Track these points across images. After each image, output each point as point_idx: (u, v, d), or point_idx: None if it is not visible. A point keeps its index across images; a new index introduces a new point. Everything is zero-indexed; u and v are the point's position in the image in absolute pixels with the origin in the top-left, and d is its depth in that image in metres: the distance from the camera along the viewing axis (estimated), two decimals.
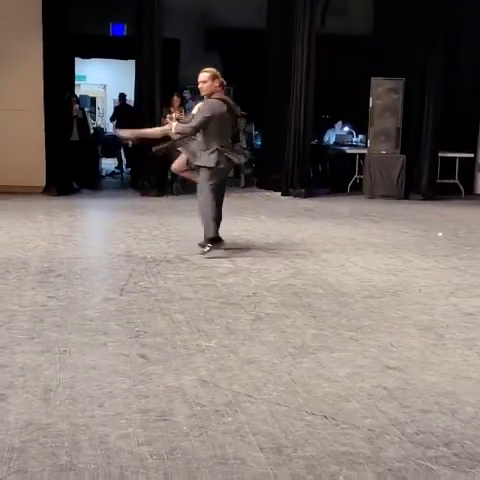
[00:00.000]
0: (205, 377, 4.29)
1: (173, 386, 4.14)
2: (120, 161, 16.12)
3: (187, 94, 14.91)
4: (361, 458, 3.38)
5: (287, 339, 5.04)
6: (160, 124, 12.94)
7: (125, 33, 17.09)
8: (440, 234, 9.65)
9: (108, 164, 16.13)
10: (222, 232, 7.86)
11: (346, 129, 16.09)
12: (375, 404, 4.00)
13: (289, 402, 3.99)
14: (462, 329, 5.46)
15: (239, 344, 4.90)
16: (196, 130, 7.49)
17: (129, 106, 16.54)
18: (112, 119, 17.68)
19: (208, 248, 7.66)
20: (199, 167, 7.61)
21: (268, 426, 3.68)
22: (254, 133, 15.81)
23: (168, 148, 7.86)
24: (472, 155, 14.35)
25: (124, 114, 16.18)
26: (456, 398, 4.12)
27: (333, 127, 16.13)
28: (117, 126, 16.06)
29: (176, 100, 13.27)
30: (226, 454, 3.37)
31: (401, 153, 13.58)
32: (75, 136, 13.30)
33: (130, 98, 16.11)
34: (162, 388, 4.11)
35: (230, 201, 12.77)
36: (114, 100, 19.81)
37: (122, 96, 17.35)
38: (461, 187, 14.10)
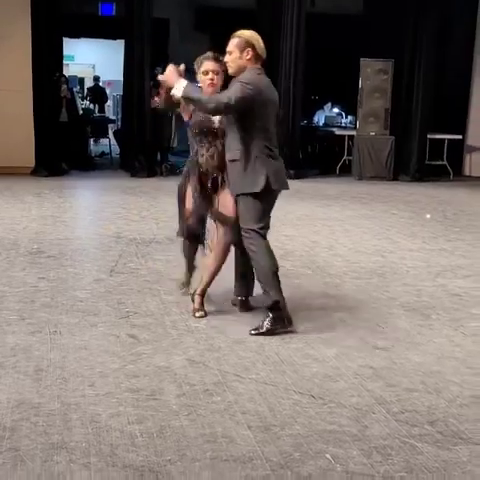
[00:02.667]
0: (194, 357, 4.35)
1: (163, 366, 4.19)
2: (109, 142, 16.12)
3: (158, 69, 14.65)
4: (347, 436, 3.45)
5: None
6: (149, 104, 12.95)
7: (114, 13, 17.00)
8: (428, 216, 9.71)
9: (100, 145, 16.12)
10: None
11: (335, 110, 16.09)
12: (361, 383, 4.07)
13: (277, 381, 4.05)
14: (448, 310, 5.54)
15: (227, 325, 4.96)
16: (227, 108, 4.73)
17: (100, 87, 19.27)
18: (85, 98, 18.91)
19: (271, 324, 4.85)
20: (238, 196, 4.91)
21: (256, 405, 3.75)
22: None
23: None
24: (460, 137, 14.40)
25: (95, 94, 18.73)
26: (441, 377, 4.20)
27: (322, 108, 16.14)
28: (90, 103, 18.28)
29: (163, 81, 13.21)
30: (215, 432, 3.43)
31: (390, 134, 13.62)
32: (64, 117, 13.25)
33: (119, 78, 16.06)
34: (152, 368, 4.16)
35: None
36: (103, 81, 20.03)
37: (96, 78, 19.75)
38: (449, 169, 14.16)
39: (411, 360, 4.45)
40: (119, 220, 8.74)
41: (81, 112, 14.73)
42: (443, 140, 14.10)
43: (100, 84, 19.83)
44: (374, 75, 13.55)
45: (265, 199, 4.83)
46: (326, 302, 5.61)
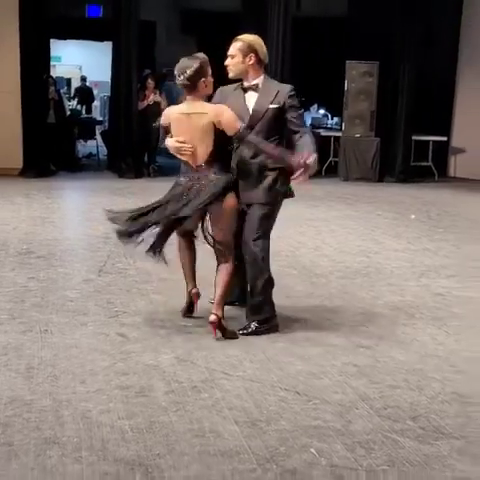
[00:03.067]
0: (182, 355, 4.45)
1: (152, 364, 4.29)
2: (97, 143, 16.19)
3: (148, 71, 14.75)
4: (331, 431, 3.56)
5: None
6: (136, 104, 13.04)
7: (101, 15, 17.07)
8: (413, 216, 9.85)
9: (87, 146, 16.16)
10: None
11: (321, 112, 16.22)
12: (346, 380, 4.18)
13: (263, 379, 4.15)
14: (432, 309, 5.66)
15: None
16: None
17: (87, 87, 19.84)
18: (73, 98, 19.13)
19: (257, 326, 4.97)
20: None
21: (243, 401, 3.85)
22: None
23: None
24: (445, 138, 14.56)
25: (82, 94, 19.21)
26: (423, 375, 4.31)
27: (309, 110, 16.26)
28: (78, 103, 18.68)
29: (150, 83, 13.35)
30: (203, 427, 3.53)
31: (375, 136, 13.75)
32: (51, 118, 13.29)
33: (106, 79, 16.14)
34: (141, 366, 4.25)
35: None
36: (90, 82, 20.18)
37: (83, 78, 20.19)
38: (434, 170, 14.32)
39: (394, 358, 4.57)
40: (107, 221, 8.78)
41: (68, 113, 14.78)
42: (428, 142, 14.25)
43: (87, 84, 19.98)
44: (359, 77, 13.66)
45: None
46: (311, 302, 5.72)
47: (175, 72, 4.79)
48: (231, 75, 4.92)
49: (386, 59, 13.68)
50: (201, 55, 4.85)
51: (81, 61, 21.64)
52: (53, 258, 6.82)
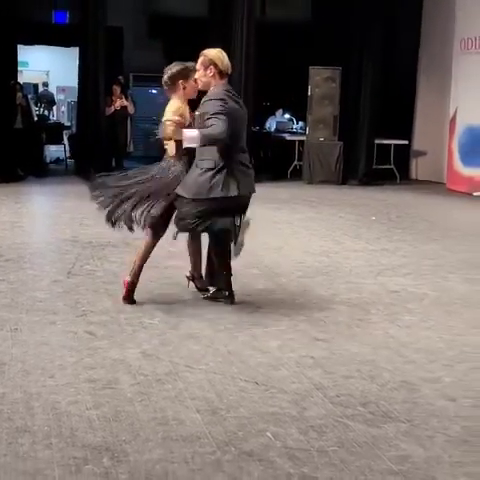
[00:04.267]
0: (148, 350, 4.68)
1: (118, 359, 4.51)
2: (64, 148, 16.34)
3: (121, 78, 15.01)
4: (287, 417, 3.81)
5: (224, 316, 5.44)
6: (103, 109, 13.24)
7: (68, 20, 17.18)
8: (373, 218, 10.16)
9: (53, 151, 16.28)
10: None
11: (287, 116, 16.51)
12: (302, 371, 4.43)
13: (225, 371, 4.39)
14: (387, 305, 5.94)
15: (180, 321, 5.30)
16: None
17: (49, 92, 19.94)
18: (36, 104, 18.92)
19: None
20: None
21: (205, 392, 4.08)
22: None
23: None
24: (407, 142, 14.97)
25: (45, 99, 19.15)
26: (375, 365, 4.58)
27: (274, 114, 16.54)
28: (44, 109, 18.70)
29: (115, 89, 13.58)
30: (166, 416, 3.76)
31: (339, 140, 14.09)
32: (19, 124, 13.43)
33: (73, 85, 16.27)
34: (108, 361, 4.47)
35: None
36: (57, 87, 20.23)
37: (45, 84, 20.50)
38: (396, 172, 14.69)
39: (349, 350, 4.83)
40: (75, 225, 9.01)
41: (36, 119, 14.92)
42: (390, 145, 14.62)
43: (48, 89, 20.24)
44: (323, 83, 14.00)
45: None
46: (272, 299, 5.98)
47: None
48: (199, 86, 5.48)
49: (348, 65, 14.05)
50: (190, 63, 5.49)
51: (48, 66, 21.69)
52: (22, 261, 7.00)
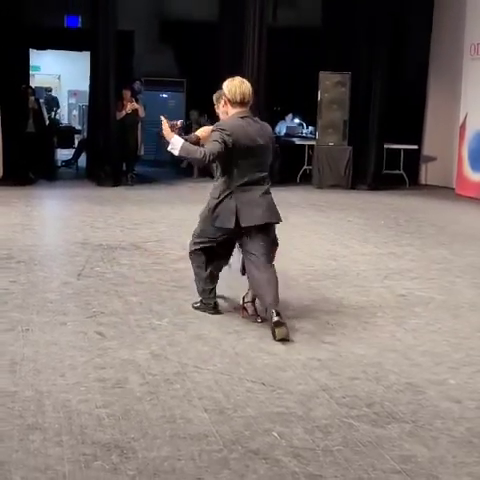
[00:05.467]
0: (156, 351, 4.75)
1: (127, 359, 4.59)
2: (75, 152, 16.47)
3: (137, 85, 15.30)
4: (293, 417, 3.87)
5: (232, 318, 5.52)
6: (114, 113, 13.36)
7: (80, 25, 17.32)
8: (382, 222, 10.21)
9: (65, 154, 16.45)
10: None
11: (296, 121, 16.59)
12: (308, 373, 4.50)
13: (232, 372, 4.46)
14: (393, 309, 6.00)
15: (188, 323, 5.37)
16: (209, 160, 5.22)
17: (53, 97, 20.43)
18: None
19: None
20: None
21: (212, 391, 4.15)
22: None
23: None
24: (416, 147, 14.99)
25: (50, 103, 19.44)
26: (381, 367, 4.64)
27: (284, 119, 16.62)
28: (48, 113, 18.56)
29: (126, 93, 13.72)
30: (174, 415, 3.83)
31: (348, 145, 14.16)
32: (31, 127, 13.58)
33: (85, 89, 16.41)
34: (118, 361, 4.55)
35: (183, 191, 13.25)
36: (69, 91, 20.36)
37: (48, 90, 20.57)
38: (406, 177, 14.73)
39: (355, 353, 4.89)
40: (86, 227, 9.11)
41: (48, 122, 15.05)
42: (399, 150, 14.68)
43: (52, 94, 20.58)
44: (332, 87, 14.07)
45: None
46: (280, 301, 6.01)
47: None
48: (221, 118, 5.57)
49: (358, 69, 14.11)
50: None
51: (60, 70, 21.88)
52: (33, 263, 7.09)
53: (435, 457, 3.48)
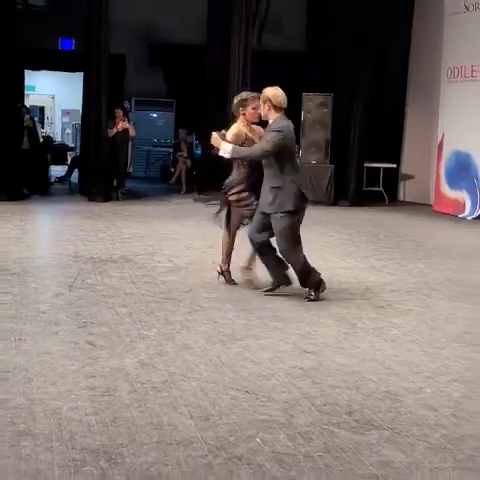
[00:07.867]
0: (145, 360, 4.90)
1: (117, 368, 4.73)
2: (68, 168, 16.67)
3: (127, 105, 15.63)
4: (276, 424, 4.02)
5: (218, 328, 5.69)
6: (106, 132, 13.60)
7: (73, 47, 17.65)
8: (363, 238, 10.44)
9: (58, 171, 16.65)
10: None
11: None
12: (291, 381, 4.65)
13: (217, 380, 4.62)
14: (373, 320, 6.18)
15: (176, 333, 5.53)
16: (268, 154, 6.53)
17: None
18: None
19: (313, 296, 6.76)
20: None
21: (198, 399, 4.30)
22: (195, 143, 16.53)
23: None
24: (395, 165, 15.45)
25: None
26: (361, 376, 4.81)
27: None
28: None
29: (117, 111, 13.99)
30: (161, 421, 3.98)
31: (330, 163, 14.52)
32: (25, 145, 13.80)
33: (77, 108, 16.61)
34: (107, 369, 4.70)
35: (172, 206, 13.42)
36: (62, 110, 20.65)
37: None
38: (385, 195, 15.18)
39: (336, 362, 5.06)
40: (78, 241, 9.27)
41: (42, 140, 15.26)
42: (379, 168, 15.13)
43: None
44: (315, 108, 14.46)
45: None
46: (263, 313, 6.20)
47: None
48: (260, 116, 6.74)
49: (340, 91, 14.50)
50: (245, 93, 6.99)
51: (54, 90, 22.14)
52: (26, 275, 7.25)
53: (412, 463, 3.61)
